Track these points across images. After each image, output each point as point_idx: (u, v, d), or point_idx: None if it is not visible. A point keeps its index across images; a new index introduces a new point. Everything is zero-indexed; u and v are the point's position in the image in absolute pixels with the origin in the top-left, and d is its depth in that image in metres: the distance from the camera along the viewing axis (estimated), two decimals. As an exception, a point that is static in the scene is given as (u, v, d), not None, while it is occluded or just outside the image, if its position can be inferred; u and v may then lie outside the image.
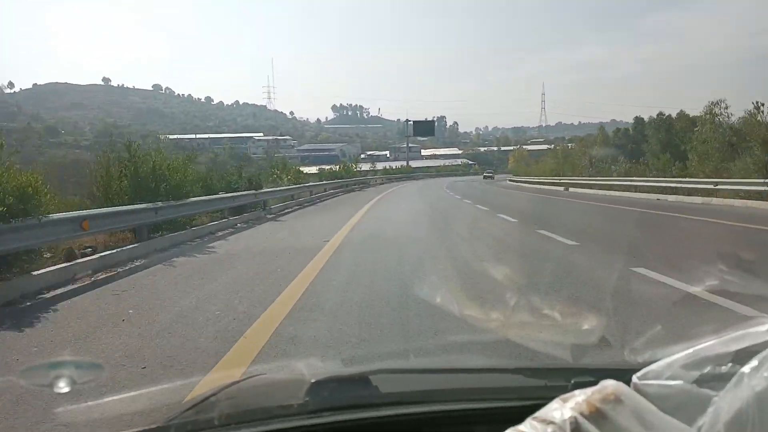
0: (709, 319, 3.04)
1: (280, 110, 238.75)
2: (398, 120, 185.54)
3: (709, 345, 0.75)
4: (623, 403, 0.70)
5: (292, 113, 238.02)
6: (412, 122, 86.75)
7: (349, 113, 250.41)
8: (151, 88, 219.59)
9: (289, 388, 1.09)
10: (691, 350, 0.76)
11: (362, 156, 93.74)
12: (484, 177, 66.35)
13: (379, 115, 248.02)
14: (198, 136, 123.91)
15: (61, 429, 2.25)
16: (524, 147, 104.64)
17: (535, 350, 1.00)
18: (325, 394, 0.97)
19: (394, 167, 69.82)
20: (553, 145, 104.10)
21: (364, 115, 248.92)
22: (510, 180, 54.11)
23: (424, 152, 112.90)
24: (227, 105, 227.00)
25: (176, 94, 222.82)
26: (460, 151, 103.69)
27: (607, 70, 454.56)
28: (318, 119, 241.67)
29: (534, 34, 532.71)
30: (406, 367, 1.29)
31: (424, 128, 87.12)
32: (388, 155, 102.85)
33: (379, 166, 67.78)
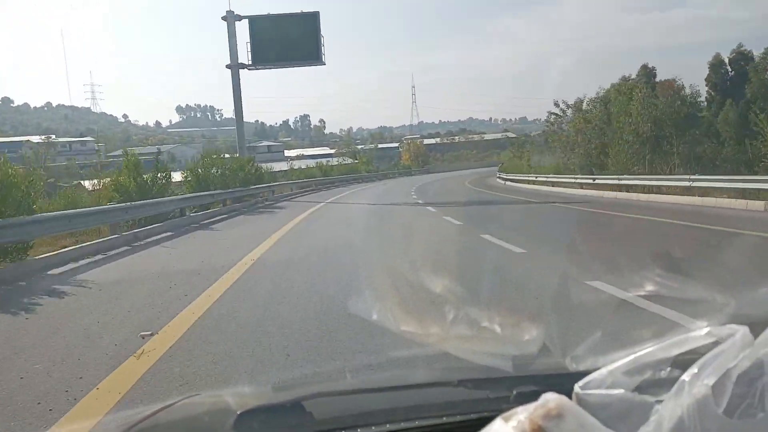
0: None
1: (109, 113, 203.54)
2: (256, 121, 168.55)
3: (649, 351, 0.78)
4: (565, 419, 0.71)
5: (125, 116, 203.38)
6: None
7: (198, 115, 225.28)
8: None
9: (212, 421, 1.04)
10: (632, 357, 0.80)
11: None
12: None
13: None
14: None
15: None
16: (418, 141, 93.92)
17: (476, 362, 1.02)
18: (254, 425, 0.94)
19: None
20: (439, 139, 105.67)
21: (217, 117, 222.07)
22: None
23: (288, 153, 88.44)
24: (36, 107, 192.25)
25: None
26: (332, 150, 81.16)
27: (462, 70, 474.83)
28: (158, 122, 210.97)
29: (394, 36, 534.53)
30: (342, 389, 1.27)
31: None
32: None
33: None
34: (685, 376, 0.71)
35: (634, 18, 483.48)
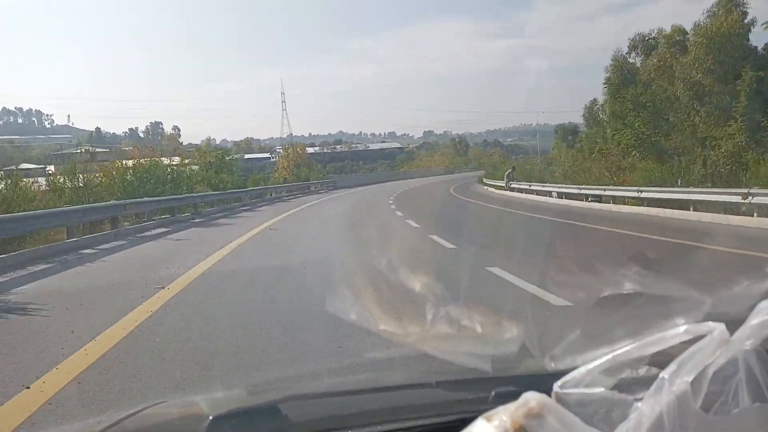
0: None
1: None
2: (97, 128, 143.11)
3: (627, 350, 0.80)
4: (546, 417, 0.72)
5: None
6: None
7: (20, 120, 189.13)
8: None
9: (184, 426, 1.02)
10: (610, 356, 0.81)
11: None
12: None
13: (70, 124, 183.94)
14: None
15: None
16: (299, 147, 76.02)
17: (454, 362, 1.01)
18: (228, 429, 0.93)
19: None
20: (319, 148, 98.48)
21: (46, 123, 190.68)
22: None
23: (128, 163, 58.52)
24: None
25: None
26: (186, 160, 61.63)
27: (330, 86, 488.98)
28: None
29: (259, 50, 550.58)
30: (319, 392, 1.26)
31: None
32: (52, 170, 27.94)
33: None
34: (664, 374, 0.73)
35: (481, 44, 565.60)
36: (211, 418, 0.92)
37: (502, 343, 1.07)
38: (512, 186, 30.19)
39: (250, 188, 32.74)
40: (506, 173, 32.26)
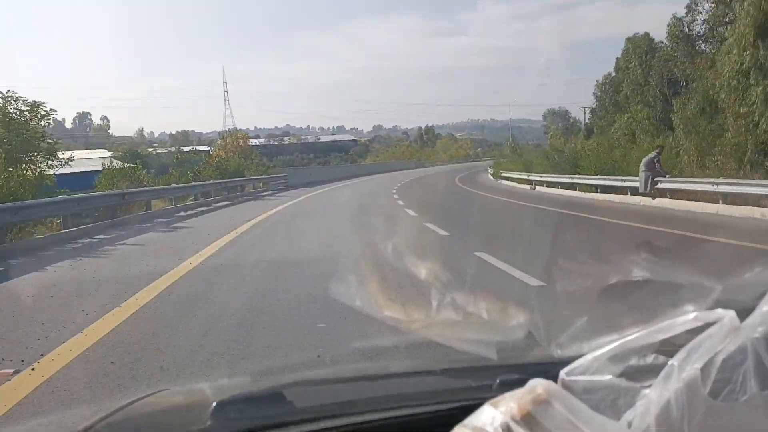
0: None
1: None
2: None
3: (634, 337, 0.80)
4: (553, 404, 0.72)
5: None
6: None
7: None
8: None
9: (189, 412, 1.02)
10: (617, 343, 0.81)
11: None
12: None
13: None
14: None
15: None
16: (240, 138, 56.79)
17: (459, 350, 1.00)
18: (232, 415, 0.92)
19: None
20: (265, 140, 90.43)
21: None
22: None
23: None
24: None
25: None
26: (109, 154, 40.21)
27: (275, 80, 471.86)
28: None
29: (201, 43, 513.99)
30: (323, 378, 1.26)
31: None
32: None
33: None
34: (674, 361, 0.72)
35: (429, 41, 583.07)
36: (215, 404, 0.92)
37: (508, 331, 1.07)
38: (659, 184, 16.19)
39: (87, 195, 14.95)
40: (646, 161, 16.66)
